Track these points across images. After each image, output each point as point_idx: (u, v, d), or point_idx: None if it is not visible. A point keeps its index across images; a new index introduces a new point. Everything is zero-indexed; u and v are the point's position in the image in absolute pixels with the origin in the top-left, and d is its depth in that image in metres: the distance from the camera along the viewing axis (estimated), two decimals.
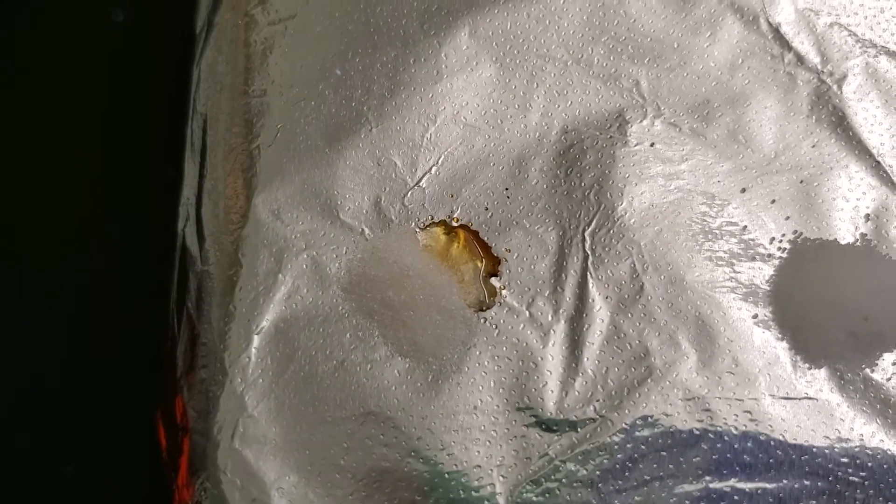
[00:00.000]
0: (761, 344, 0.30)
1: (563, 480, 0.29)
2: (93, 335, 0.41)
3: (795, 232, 0.31)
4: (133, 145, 0.43)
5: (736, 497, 0.28)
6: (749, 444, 0.29)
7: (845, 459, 0.29)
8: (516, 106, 0.33)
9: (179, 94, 0.37)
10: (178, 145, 0.36)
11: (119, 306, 0.41)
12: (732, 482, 0.29)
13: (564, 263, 0.31)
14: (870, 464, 0.29)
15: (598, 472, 0.29)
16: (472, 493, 0.29)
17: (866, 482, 0.29)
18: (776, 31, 0.33)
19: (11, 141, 0.44)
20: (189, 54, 0.37)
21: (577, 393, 0.30)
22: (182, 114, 0.37)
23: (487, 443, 0.29)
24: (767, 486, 0.29)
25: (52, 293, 0.42)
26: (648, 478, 0.29)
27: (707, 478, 0.29)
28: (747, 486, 0.29)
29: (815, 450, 0.29)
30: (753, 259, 0.31)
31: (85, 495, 0.42)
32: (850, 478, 0.29)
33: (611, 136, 0.32)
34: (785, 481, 0.29)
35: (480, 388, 0.30)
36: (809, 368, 0.30)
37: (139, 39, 0.45)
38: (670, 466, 0.29)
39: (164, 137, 0.38)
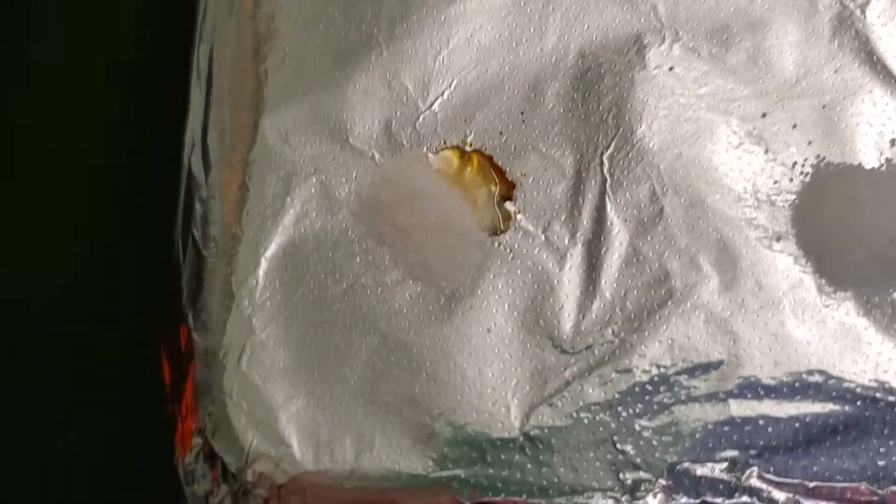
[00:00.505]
0: (784, 267, 0.29)
1: (581, 403, 0.28)
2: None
3: (818, 156, 0.30)
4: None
5: (761, 422, 0.27)
6: (774, 369, 0.28)
7: (873, 384, 0.28)
8: (532, 29, 0.32)
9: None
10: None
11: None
12: (757, 406, 0.28)
13: (581, 187, 0.30)
14: None
15: (616, 395, 0.28)
16: (487, 415, 0.28)
17: (895, 406, 0.28)
18: None
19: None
20: None
21: (594, 316, 0.29)
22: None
23: (501, 365, 0.28)
24: (793, 410, 0.28)
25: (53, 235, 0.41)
26: (670, 401, 0.28)
27: (731, 401, 0.28)
28: (772, 410, 0.28)
29: (842, 374, 0.28)
30: (776, 182, 0.30)
31: (86, 463, 0.41)
32: (879, 402, 0.28)
33: (629, 60, 0.31)
34: (811, 406, 0.28)
35: (494, 311, 0.29)
36: (835, 292, 0.29)
37: None
38: (692, 390, 0.28)
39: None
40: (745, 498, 0.27)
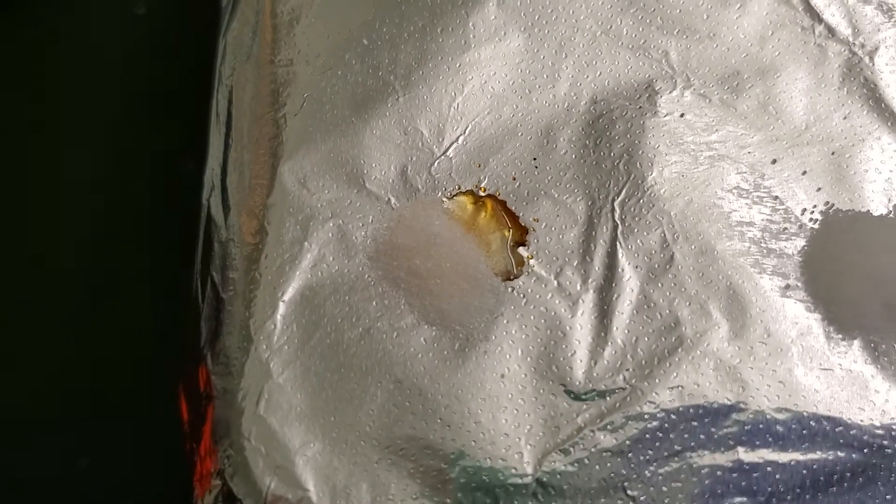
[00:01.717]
0: (793, 314, 0.29)
1: (593, 450, 0.28)
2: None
3: (827, 203, 0.31)
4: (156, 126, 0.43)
5: (769, 468, 0.28)
6: (782, 416, 0.28)
7: (880, 431, 0.28)
8: (545, 76, 0.33)
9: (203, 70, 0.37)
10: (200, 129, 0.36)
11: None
12: (765, 453, 0.28)
13: (593, 233, 0.31)
14: None
15: (627, 442, 0.28)
16: (500, 461, 0.28)
17: None
18: (807, 3, 0.33)
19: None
20: (214, 29, 0.37)
21: (606, 362, 0.29)
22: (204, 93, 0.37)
23: (515, 411, 0.29)
24: (801, 457, 0.28)
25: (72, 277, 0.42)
26: (679, 448, 0.28)
27: (740, 448, 0.28)
28: (780, 457, 0.28)
29: (849, 421, 0.28)
30: (785, 230, 0.31)
31: (100, 486, 0.41)
32: (886, 450, 0.28)
33: (640, 107, 0.32)
34: (819, 453, 0.28)
35: (508, 356, 0.29)
36: (843, 339, 0.29)
37: (162, 24, 0.45)
38: (702, 437, 0.28)
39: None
40: None
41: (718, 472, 0.28)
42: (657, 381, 0.29)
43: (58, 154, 0.45)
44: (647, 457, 0.28)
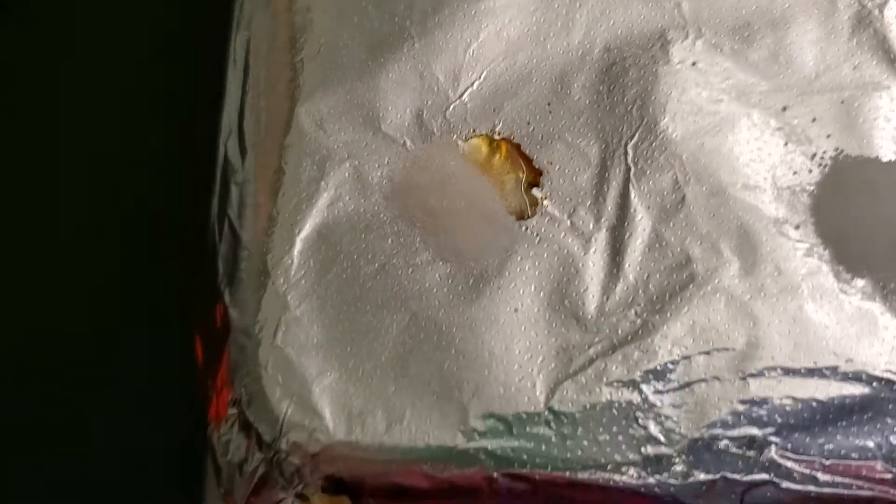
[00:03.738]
0: (803, 253, 0.30)
1: (604, 380, 0.28)
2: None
3: (837, 149, 0.31)
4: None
5: (779, 401, 0.28)
6: (792, 349, 0.29)
7: (889, 366, 0.29)
8: (559, 24, 0.33)
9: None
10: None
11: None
12: (775, 386, 0.29)
13: (606, 175, 0.31)
14: None
15: (639, 373, 0.29)
16: (513, 389, 0.29)
17: None
18: None
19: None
20: None
21: (618, 297, 0.30)
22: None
23: (528, 343, 0.29)
24: (810, 390, 0.29)
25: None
26: (690, 380, 0.29)
27: (750, 381, 0.29)
28: (790, 390, 0.29)
29: (858, 356, 0.29)
30: (795, 173, 0.31)
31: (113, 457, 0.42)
32: (893, 384, 0.29)
33: (653, 55, 0.33)
34: (828, 386, 0.29)
35: (521, 291, 0.30)
36: (852, 278, 0.30)
37: None
38: (712, 369, 0.29)
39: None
40: (762, 475, 0.28)
41: (729, 404, 0.28)
42: (668, 315, 0.29)
43: (69, 115, 0.45)
44: (659, 387, 0.29)
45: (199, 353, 0.33)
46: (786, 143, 0.31)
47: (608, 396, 0.28)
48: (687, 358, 0.29)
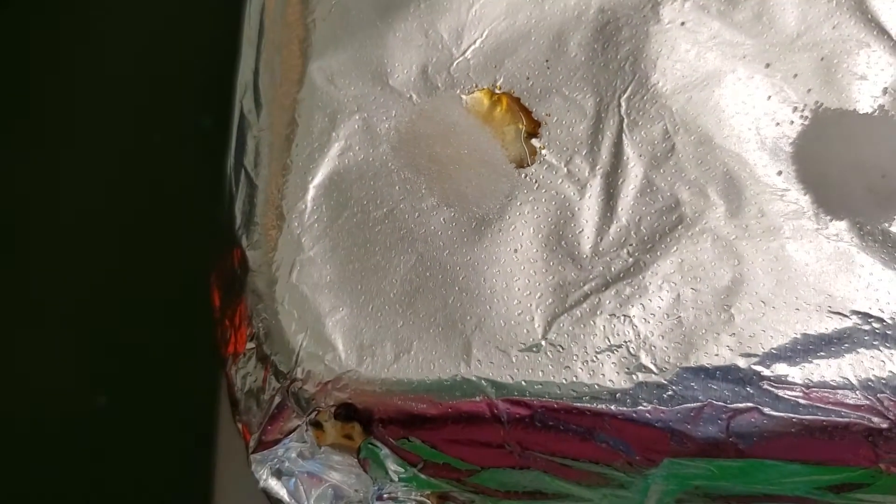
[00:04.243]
0: (786, 197, 0.32)
1: (598, 313, 0.30)
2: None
3: (817, 102, 0.33)
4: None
5: (763, 330, 0.30)
6: (775, 285, 0.31)
7: (865, 300, 0.31)
8: None
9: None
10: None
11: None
12: (759, 318, 0.31)
13: (601, 126, 0.33)
14: (887, 303, 0.30)
15: (631, 307, 0.31)
16: (513, 323, 0.30)
17: (883, 320, 0.30)
18: None
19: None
20: None
21: (611, 238, 0.32)
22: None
23: (527, 280, 0.31)
24: (793, 323, 0.31)
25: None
26: (679, 313, 0.31)
27: (735, 314, 0.30)
28: (773, 321, 0.30)
29: (836, 291, 0.31)
30: (778, 124, 0.33)
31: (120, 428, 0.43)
32: (869, 318, 0.31)
33: (644, 15, 0.35)
34: (808, 320, 0.31)
35: (521, 234, 0.32)
36: (831, 220, 0.32)
37: None
38: (699, 303, 0.31)
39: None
40: (747, 403, 0.30)
41: (715, 335, 0.30)
42: (658, 254, 0.31)
43: (79, 107, 0.47)
44: (648, 321, 0.31)
45: (215, 299, 0.35)
46: (769, 97, 0.33)
47: (602, 328, 0.30)
48: (676, 293, 0.31)
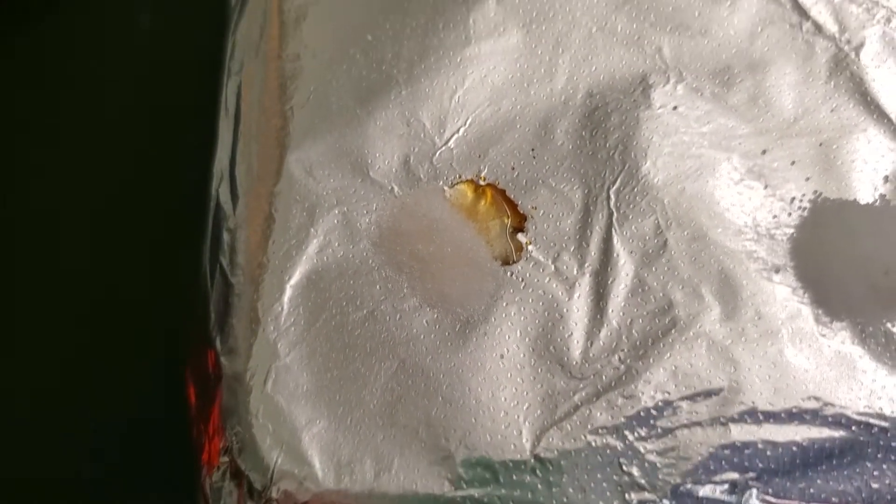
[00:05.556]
0: (783, 298, 0.30)
1: (589, 427, 0.29)
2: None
3: (816, 192, 0.32)
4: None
5: (760, 445, 0.29)
6: (772, 394, 0.29)
7: (868, 410, 0.29)
8: (542, 70, 0.34)
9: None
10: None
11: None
12: (756, 431, 0.29)
13: (590, 220, 0.32)
14: (892, 411, 0.29)
15: (622, 419, 0.29)
16: (499, 437, 0.29)
17: (888, 432, 0.29)
18: (794, 1, 0.34)
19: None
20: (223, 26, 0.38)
21: (602, 343, 0.30)
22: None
23: (514, 389, 0.30)
24: (790, 434, 0.29)
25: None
26: (673, 426, 0.29)
27: (731, 426, 0.29)
28: (771, 435, 0.29)
29: (838, 400, 0.29)
30: (775, 217, 0.32)
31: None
32: (872, 428, 0.29)
33: (635, 100, 0.33)
34: (808, 430, 0.29)
35: (507, 337, 0.30)
36: (831, 322, 0.30)
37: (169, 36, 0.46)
38: (695, 414, 0.29)
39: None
40: None
41: (711, 450, 0.29)
42: (651, 361, 0.30)
43: (63, 154, 0.46)
44: (642, 434, 0.29)
45: (191, 395, 0.34)
46: (765, 187, 0.32)
47: (593, 443, 0.29)
48: (669, 403, 0.29)
